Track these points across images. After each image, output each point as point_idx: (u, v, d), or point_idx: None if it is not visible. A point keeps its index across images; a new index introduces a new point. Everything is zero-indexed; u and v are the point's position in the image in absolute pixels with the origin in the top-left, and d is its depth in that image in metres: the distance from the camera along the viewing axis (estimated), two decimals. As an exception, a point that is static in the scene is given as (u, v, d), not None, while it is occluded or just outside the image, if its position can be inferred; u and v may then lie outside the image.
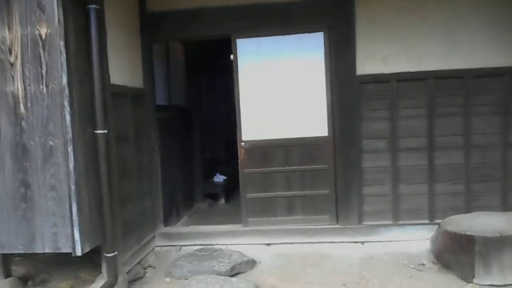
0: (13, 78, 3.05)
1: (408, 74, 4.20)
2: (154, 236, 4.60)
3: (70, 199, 3.06)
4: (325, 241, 4.48)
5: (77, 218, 3.07)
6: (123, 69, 3.94)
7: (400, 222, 4.34)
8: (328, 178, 4.45)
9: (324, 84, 4.35)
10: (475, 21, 4.14)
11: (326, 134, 4.39)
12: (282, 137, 4.50)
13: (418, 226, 4.27)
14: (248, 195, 4.58)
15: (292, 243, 4.56)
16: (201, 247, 4.60)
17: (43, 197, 3.09)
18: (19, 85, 3.05)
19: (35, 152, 3.07)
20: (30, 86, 3.04)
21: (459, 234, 3.53)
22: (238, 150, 4.57)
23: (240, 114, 4.52)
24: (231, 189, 6.49)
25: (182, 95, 5.93)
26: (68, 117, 3.01)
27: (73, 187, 3.05)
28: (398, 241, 4.28)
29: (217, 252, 4.35)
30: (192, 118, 6.28)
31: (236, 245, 4.58)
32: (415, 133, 4.28)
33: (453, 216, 3.98)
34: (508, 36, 4.11)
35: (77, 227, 3.07)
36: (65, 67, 2.98)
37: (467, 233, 3.47)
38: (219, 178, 6.96)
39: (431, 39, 4.17)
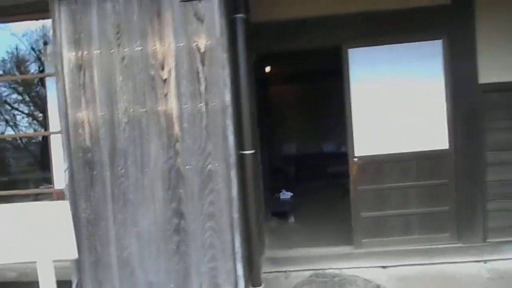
0: (165, 96, 2.73)
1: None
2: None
3: (232, 229, 2.73)
4: (446, 261, 4.19)
5: (239, 250, 2.73)
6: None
7: (528, 238, 4.08)
8: (448, 194, 4.18)
9: (443, 94, 4.12)
10: None
11: (447, 147, 4.14)
12: (397, 152, 4.23)
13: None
14: (362, 214, 4.28)
15: (410, 264, 4.26)
16: (312, 272, 4.27)
17: (200, 227, 2.75)
18: (173, 103, 2.73)
19: (191, 177, 2.74)
20: (186, 104, 2.71)
21: None
22: (350, 167, 4.29)
23: (352, 128, 4.24)
24: (297, 207, 6.23)
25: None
26: (231, 138, 2.70)
27: (235, 215, 2.72)
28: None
29: (337, 278, 4.03)
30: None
31: (351, 269, 4.26)
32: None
33: None
34: None
35: (240, 261, 2.73)
36: (228, 82, 2.67)
37: None
38: (286, 195, 6.65)
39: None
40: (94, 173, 2.77)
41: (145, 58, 2.71)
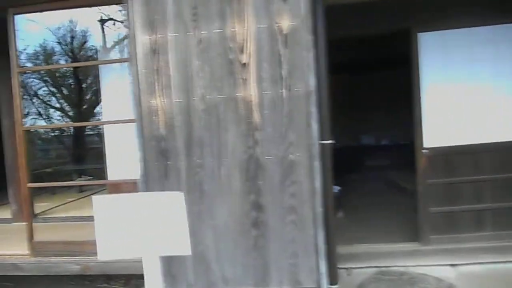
0: (245, 81, 2.56)
1: None
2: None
3: (315, 223, 2.55)
4: (522, 260, 3.90)
5: (323, 246, 2.55)
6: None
7: None
8: (526, 188, 3.88)
9: (523, 81, 3.80)
10: None
11: (526, 138, 3.83)
12: (470, 143, 3.94)
13: None
14: (431, 209, 4.02)
15: (482, 263, 3.97)
16: (376, 269, 4.05)
17: (280, 221, 2.58)
18: (252, 89, 2.55)
19: (271, 168, 2.57)
20: (266, 90, 2.53)
21: None
22: (418, 159, 4.03)
23: (420, 118, 3.98)
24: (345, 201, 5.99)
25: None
26: (314, 126, 2.51)
27: (319, 209, 2.54)
28: None
29: (406, 276, 3.79)
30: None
31: (417, 267, 4.01)
32: None
33: None
34: None
35: (323, 258, 2.55)
36: (312, 66, 2.48)
37: None
38: (334, 189, 6.41)
39: None
40: (168, 163, 2.63)
41: (223, 41, 2.54)
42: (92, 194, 6.32)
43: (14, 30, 3.16)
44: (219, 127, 2.58)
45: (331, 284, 2.84)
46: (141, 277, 1.92)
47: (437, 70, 3.88)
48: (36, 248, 3.30)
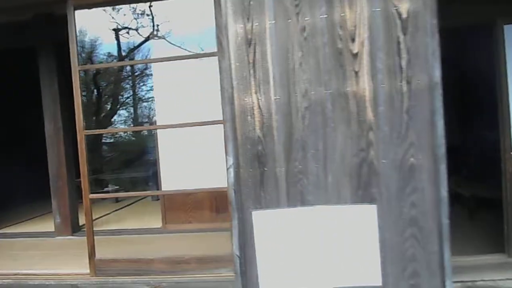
0: (356, 73, 2.21)
1: None
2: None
3: (440, 237, 2.19)
4: None
5: (449, 264, 2.18)
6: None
7: None
8: None
9: None
10: None
11: None
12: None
13: None
14: (523, 218, 3.64)
15: None
16: (460, 284, 3.66)
17: (398, 235, 2.22)
18: (366, 82, 2.21)
19: (388, 174, 2.21)
20: (382, 83, 2.19)
21: None
22: (505, 162, 3.66)
23: (509, 117, 3.62)
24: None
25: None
26: (440, 124, 2.16)
27: (445, 220, 2.18)
28: None
29: (501, 293, 3.41)
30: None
31: (507, 280, 3.64)
32: None
33: None
34: None
35: (449, 277, 2.18)
36: (437, 54, 2.14)
37: None
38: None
39: None
40: (265, 169, 2.28)
41: (330, 28, 2.21)
42: (128, 205, 6.00)
43: (74, 24, 2.85)
44: (326, 127, 2.24)
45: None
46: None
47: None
48: (98, 266, 2.95)
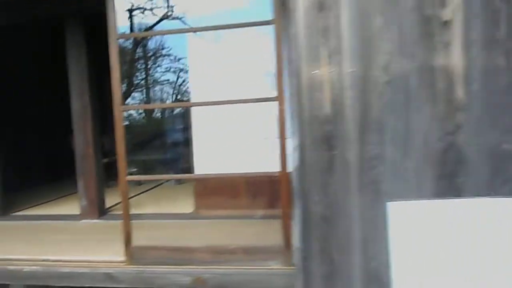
0: (446, 45, 1.91)
1: None
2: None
3: (536, 236, 1.87)
4: None
5: (545, 266, 1.89)
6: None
7: None
8: None
9: None
10: None
11: None
12: None
13: None
14: None
15: None
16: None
17: (486, 232, 1.91)
18: (457, 55, 1.91)
19: (477, 161, 1.92)
20: (477, 56, 1.88)
21: None
22: None
23: None
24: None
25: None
26: (543, 106, 1.84)
27: (544, 217, 1.87)
28: None
29: None
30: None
31: None
32: None
33: None
34: None
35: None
36: (545, 24, 1.81)
37: None
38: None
39: None
40: (334, 152, 2.00)
41: (418, -10, 1.89)
42: (150, 188, 5.78)
43: (114, -12, 2.57)
44: (408, 107, 1.94)
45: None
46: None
47: None
48: (134, 254, 2.71)
